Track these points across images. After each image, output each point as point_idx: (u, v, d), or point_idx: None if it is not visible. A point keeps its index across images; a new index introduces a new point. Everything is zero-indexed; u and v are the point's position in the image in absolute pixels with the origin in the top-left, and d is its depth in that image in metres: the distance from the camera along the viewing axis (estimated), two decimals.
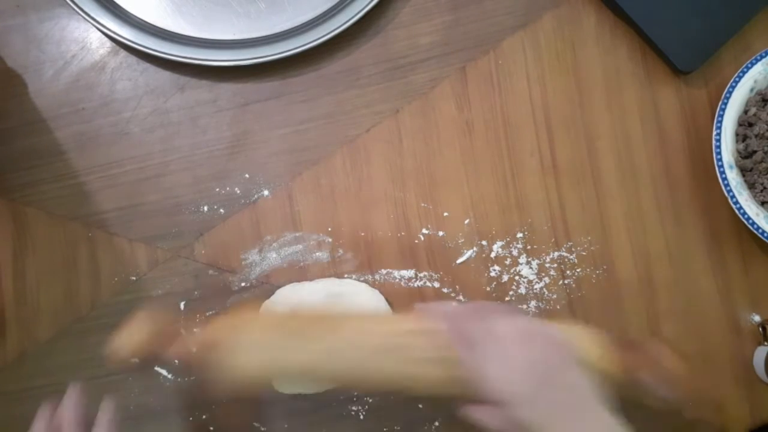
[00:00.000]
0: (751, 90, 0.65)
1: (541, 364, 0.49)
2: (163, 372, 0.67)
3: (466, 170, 0.69)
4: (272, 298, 0.67)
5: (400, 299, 0.67)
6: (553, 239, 0.68)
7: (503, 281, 0.68)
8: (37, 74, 0.69)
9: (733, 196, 0.63)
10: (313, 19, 0.68)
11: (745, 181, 0.64)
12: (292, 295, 0.66)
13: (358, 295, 0.67)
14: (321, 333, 0.55)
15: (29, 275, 0.68)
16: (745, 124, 0.64)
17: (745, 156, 0.64)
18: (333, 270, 0.68)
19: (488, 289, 0.67)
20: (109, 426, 0.57)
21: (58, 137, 0.69)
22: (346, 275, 0.68)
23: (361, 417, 0.67)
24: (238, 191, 0.69)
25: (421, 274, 0.68)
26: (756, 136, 0.64)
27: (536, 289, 0.68)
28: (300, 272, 0.68)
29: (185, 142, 0.69)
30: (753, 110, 0.64)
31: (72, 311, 0.68)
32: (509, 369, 0.49)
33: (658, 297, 0.67)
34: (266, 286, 0.67)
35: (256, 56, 0.66)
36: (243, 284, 0.67)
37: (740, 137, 0.64)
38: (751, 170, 0.64)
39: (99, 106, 0.69)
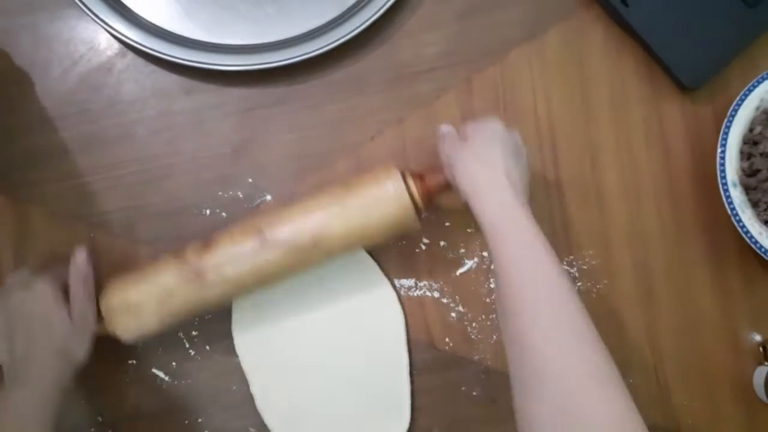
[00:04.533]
0: (757, 108, 0.64)
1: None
2: (160, 374, 0.67)
3: None
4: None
5: None
6: (554, 252, 0.68)
7: None
8: (45, 73, 0.69)
9: (736, 215, 0.63)
10: (321, 26, 0.68)
11: (749, 199, 0.64)
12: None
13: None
14: None
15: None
16: (750, 142, 0.64)
17: (749, 174, 0.64)
18: None
19: (488, 300, 0.67)
20: (85, 282, 0.60)
21: (64, 137, 0.69)
22: None
23: None
24: (241, 195, 0.69)
25: (421, 284, 0.68)
26: (761, 154, 0.63)
27: None
28: None
29: (190, 146, 0.69)
30: (758, 129, 0.64)
31: None
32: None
33: (659, 314, 0.67)
34: None
35: (263, 62, 0.66)
36: None
37: (745, 155, 0.64)
38: (755, 189, 0.63)
39: (105, 106, 0.69)
